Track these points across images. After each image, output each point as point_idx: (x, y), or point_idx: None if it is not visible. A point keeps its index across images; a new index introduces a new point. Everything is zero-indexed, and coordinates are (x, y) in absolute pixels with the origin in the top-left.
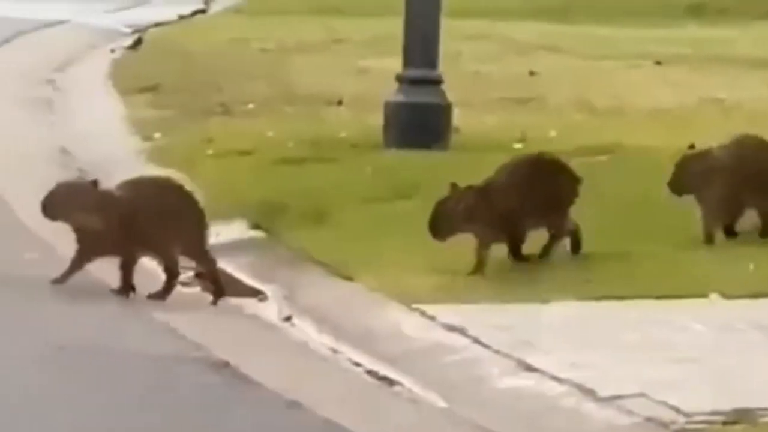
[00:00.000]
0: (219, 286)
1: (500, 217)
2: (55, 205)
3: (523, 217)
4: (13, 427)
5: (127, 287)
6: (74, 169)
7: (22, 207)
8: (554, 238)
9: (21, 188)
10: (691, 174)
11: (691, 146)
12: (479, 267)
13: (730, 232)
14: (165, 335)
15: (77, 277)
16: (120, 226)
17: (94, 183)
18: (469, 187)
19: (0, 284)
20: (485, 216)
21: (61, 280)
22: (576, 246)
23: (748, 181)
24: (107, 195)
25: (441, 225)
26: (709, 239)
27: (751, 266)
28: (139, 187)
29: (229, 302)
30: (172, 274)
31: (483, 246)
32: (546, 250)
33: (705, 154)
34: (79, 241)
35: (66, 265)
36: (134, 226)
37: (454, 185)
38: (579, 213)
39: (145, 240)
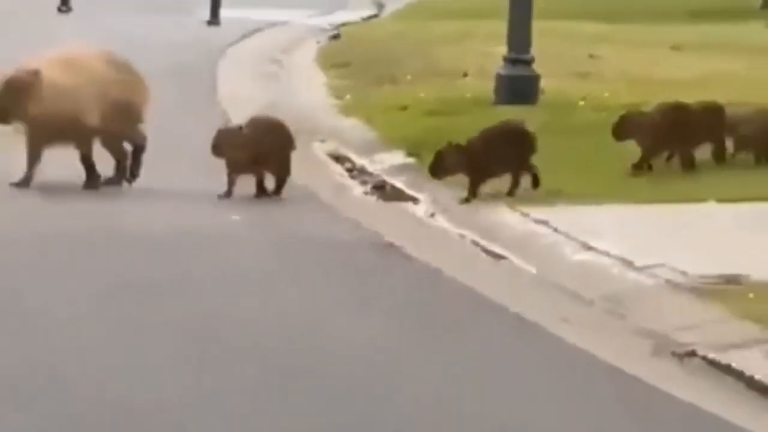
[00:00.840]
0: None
1: (472, 165)
2: (217, 146)
3: (489, 166)
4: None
5: (261, 193)
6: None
7: None
8: (516, 181)
9: None
10: (630, 125)
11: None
12: (470, 196)
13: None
14: (350, 226)
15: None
16: (251, 155)
17: (240, 127)
18: (457, 144)
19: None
20: (464, 163)
21: (226, 195)
22: (535, 182)
23: (668, 131)
24: (243, 135)
25: (436, 168)
26: (638, 168)
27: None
28: (258, 125)
29: (395, 204)
30: (282, 182)
31: (471, 182)
32: (511, 190)
33: (639, 113)
34: (229, 165)
35: None
36: (259, 153)
37: (449, 142)
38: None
39: (264, 161)
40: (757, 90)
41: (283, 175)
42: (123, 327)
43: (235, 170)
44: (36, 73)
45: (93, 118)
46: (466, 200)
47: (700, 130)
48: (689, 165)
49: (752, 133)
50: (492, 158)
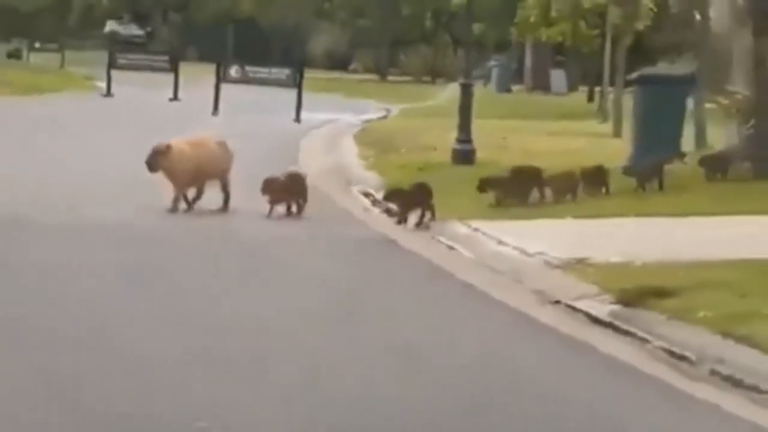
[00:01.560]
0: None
1: (404, 202)
2: (263, 189)
3: (410, 205)
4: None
5: (289, 213)
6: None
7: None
8: (423, 215)
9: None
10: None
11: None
12: (400, 219)
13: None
14: (361, 227)
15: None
16: (285, 192)
17: (279, 176)
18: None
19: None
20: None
21: (268, 215)
22: (433, 215)
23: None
24: (280, 181)
25: (390, 196)
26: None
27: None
28: (291, 175)
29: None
30: (301, 208)
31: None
32: (419, 221)
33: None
34: (270, 199)
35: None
36: (290, 191)
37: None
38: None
39: (292, 196)
40: (589, 158)
41: (302, 203)
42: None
43: (273, 201)
44: (168, 146)
45: (205, 173)
46: (399, 221)
47: (531, 181)
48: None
49: (561, 183)
50: (413, 199)
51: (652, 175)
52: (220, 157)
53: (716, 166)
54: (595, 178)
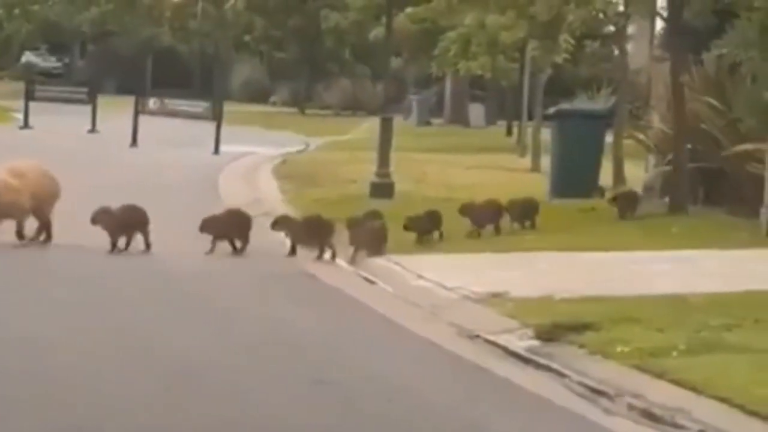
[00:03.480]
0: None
1: (295, 231)
2: (202, 226)
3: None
4: None
5: (234, 250)
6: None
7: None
8: (321, 252)
9: None
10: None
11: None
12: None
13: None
14: (279, 260)
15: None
16: (224, 227)
17: (217, 215)
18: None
19: None
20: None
21: (210, 251)
22: (333, 256)
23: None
24: (219, 218)
25: (276, 224)
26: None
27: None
28: (230, 212)
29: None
30: (244, 245)
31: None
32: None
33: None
34: (213, 236)
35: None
36: (229, 227)
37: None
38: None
39: (232, 234)
40: (506, 189)
41: (245, 241)
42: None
43: (216, 238)
44: None
45: (26, 203)
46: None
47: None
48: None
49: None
50: (304, 230)
51: (525, 215)
52: (46, 186)
53: (627, 204)
54: (523, 210)
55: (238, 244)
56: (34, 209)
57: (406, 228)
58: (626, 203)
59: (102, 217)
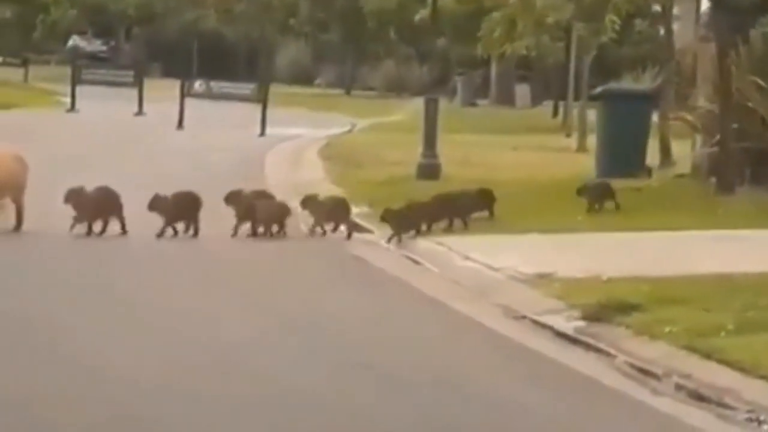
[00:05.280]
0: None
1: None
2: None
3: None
4: None
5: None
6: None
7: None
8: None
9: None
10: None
11: None
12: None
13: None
14: (327, 243)
15: None
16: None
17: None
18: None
19: None
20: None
21: (160, 233)
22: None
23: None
24: (167, 199)
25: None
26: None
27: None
28: (179, 194)
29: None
30: (197, 225)
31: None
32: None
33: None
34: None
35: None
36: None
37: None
38: None
39: (183, 216)
40: (552, 170)
41: (196, 223)
42: None
43: (168, 222)
44: None
45: None
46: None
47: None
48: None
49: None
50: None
51: (602, 197)
52: (16, 171)
53: (596, 196)
54: (477, 201)
55: (185, 226)
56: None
57: (383, 219)
58: (595, 195)
59: (73, 197)
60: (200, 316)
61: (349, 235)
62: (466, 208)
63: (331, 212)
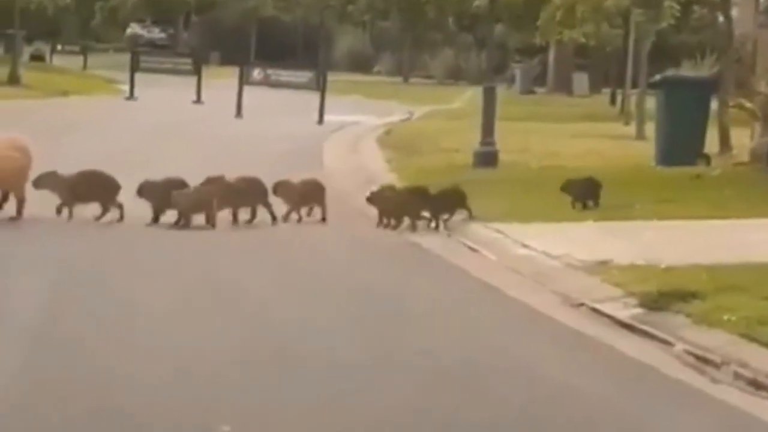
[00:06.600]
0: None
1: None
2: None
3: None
4: None
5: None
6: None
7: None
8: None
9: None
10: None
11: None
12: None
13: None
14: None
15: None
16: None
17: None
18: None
19: None
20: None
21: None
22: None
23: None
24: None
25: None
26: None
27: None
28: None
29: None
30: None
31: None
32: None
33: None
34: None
35: None
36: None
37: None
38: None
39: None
40: (611, 158)
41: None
42: None
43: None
44: None
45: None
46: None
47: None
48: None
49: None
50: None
51: (586, 195)
52: (17, 161)
53: (581, 192)
54: (447, 200)
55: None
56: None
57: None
58: (580, 191)
59: (48, 181)
60: (260, 306)
61: (323, 219)
62: (440, 207)
63: (305, 196)
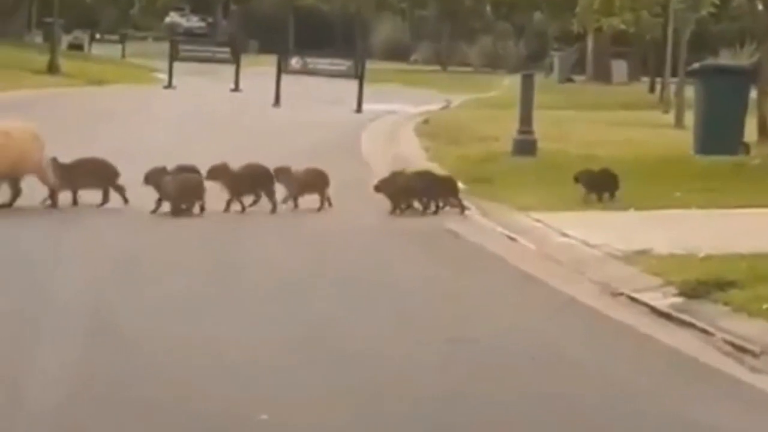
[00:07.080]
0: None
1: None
2: (146, 177)
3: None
4: None
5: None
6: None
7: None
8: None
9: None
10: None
11: None
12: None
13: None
14: (419, 217)
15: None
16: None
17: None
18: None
19: None
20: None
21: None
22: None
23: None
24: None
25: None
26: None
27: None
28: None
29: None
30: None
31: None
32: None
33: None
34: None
35: None
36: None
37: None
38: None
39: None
40: (650, 146)
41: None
42: None
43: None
44: None
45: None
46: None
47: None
48: None
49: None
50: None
51: (602, 186)
52: (31, 149)
53: (595, 184)
54: (439, 189)
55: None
56: (8, 173)
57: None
58: (595, 183)
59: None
60: (293, 293)
61: (319, 209)
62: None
63: (306, 184)
